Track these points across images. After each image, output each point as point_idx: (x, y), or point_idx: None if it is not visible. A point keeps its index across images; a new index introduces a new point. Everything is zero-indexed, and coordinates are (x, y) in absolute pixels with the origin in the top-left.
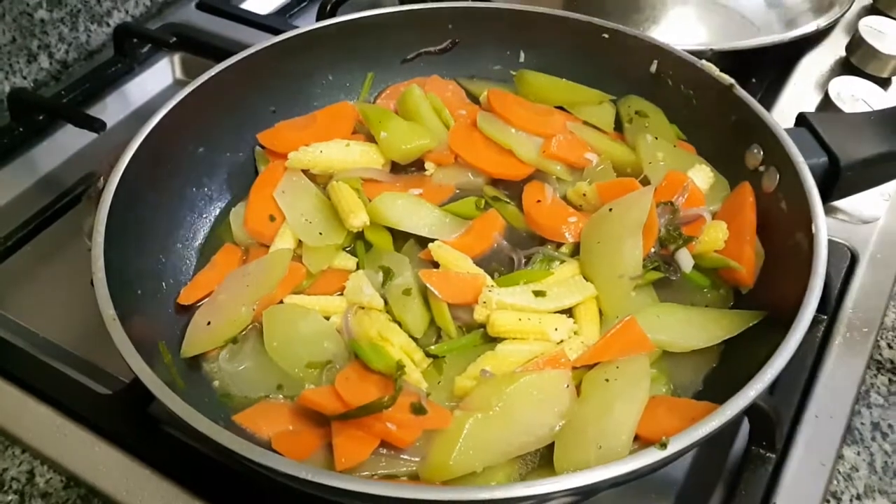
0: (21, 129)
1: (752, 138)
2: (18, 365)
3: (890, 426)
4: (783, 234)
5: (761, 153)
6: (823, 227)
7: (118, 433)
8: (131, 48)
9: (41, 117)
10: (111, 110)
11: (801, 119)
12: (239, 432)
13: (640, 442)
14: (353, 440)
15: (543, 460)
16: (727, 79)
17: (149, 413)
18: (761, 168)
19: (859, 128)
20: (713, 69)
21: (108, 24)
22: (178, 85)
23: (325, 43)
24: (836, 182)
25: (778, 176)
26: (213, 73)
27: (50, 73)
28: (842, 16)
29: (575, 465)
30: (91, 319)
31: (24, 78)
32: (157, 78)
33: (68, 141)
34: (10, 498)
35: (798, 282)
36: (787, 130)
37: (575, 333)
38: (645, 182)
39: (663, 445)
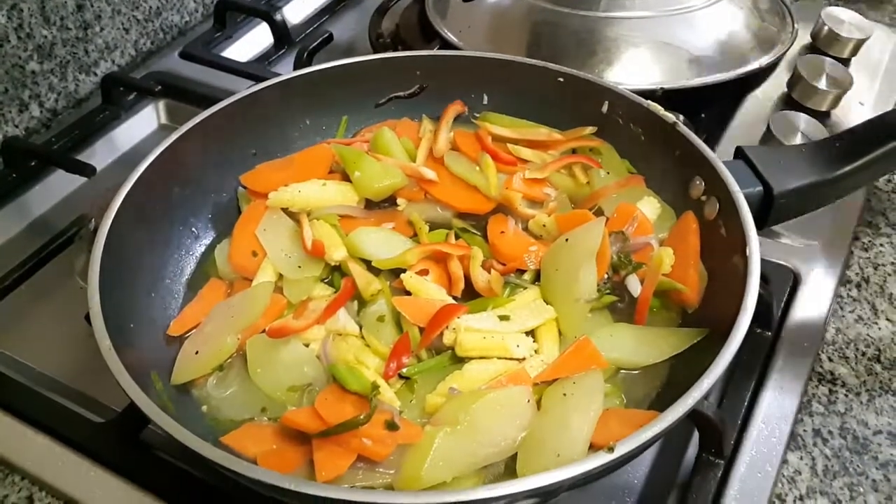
0: (14, 175)
1: (695, 171)
2: (16, 397)
3: (830, 433)
4: (723, 257)
5: (703, 184)
6: (756, 251)
7: (112, 458)
8: (118, 96)
9: (33, 163)
10: (99, 155)
11: (739, 152)
12: (227, 452)
13: (596, 450)
14: (332, 455)
15: (508, 470)
16: (671, 117)
17: (141, 439)
18: (703, 198)
19: (792, 159)
20: (658, 108)
21: (96, 74)
22: (163, 130)
23: (302, 89)
24: (771, 209)
25: (718, 205)
26: (197, 121)
27: (40, 121)
28: (783, 54)
29: (536, 472)
30: (84, 353)
31: (16, 126)
32: (143, 124)
33: (59, 185)
34: None
35: (736, 300)
36: (726, 163)
37: (536, 352)
38: (598, 213)
39: (611, 449)
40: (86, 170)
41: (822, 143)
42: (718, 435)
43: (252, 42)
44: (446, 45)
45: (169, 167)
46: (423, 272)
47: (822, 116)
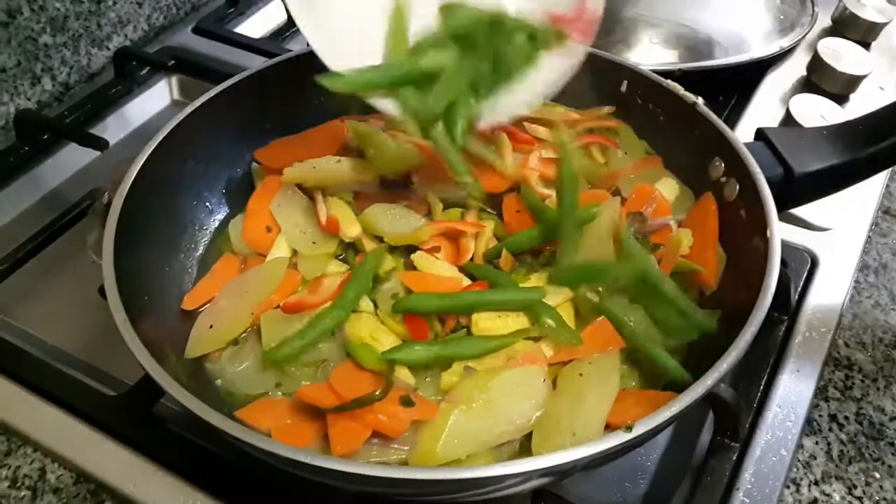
0: (27, 149)
1: (715, 152)
2: (29, 370)
3: (846, 418)
4: (743, 239)
5: (723, 165)
6: (777, 233)
7: (124, 431)
8: (131, 71)
9: (46, 137)
10: (111, 129)
11: (760, 134)
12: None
13: (611, 429)
14: (347, 430)
15: (523, 448)
16: (691, 97)
17: (153, 413)
18: (723, 179)
19: (813, 142)
20: (678, 88)
21: (109, 48)
22: (175, 105)
23: (316, 65)
24: (791, 192)
25: (738, 186)
26: (210, 96)
27: (53, 94)
28: (803, 37)
29: (551, 450)
30: (96, 327)
31: (29, 99)
32: (156, 99)
33: (71, 159)
34: (23, 493)
35: (755, 282)
36: (747, 144)
37: None
38: (616, 194)
39: (629, 428)
40: (99, 143)
41: (844, 125)
42: (734, 418)
43: (266, 18)
44: None
45: (182, 142)
46: (435, 249)
47: (842, 100)
